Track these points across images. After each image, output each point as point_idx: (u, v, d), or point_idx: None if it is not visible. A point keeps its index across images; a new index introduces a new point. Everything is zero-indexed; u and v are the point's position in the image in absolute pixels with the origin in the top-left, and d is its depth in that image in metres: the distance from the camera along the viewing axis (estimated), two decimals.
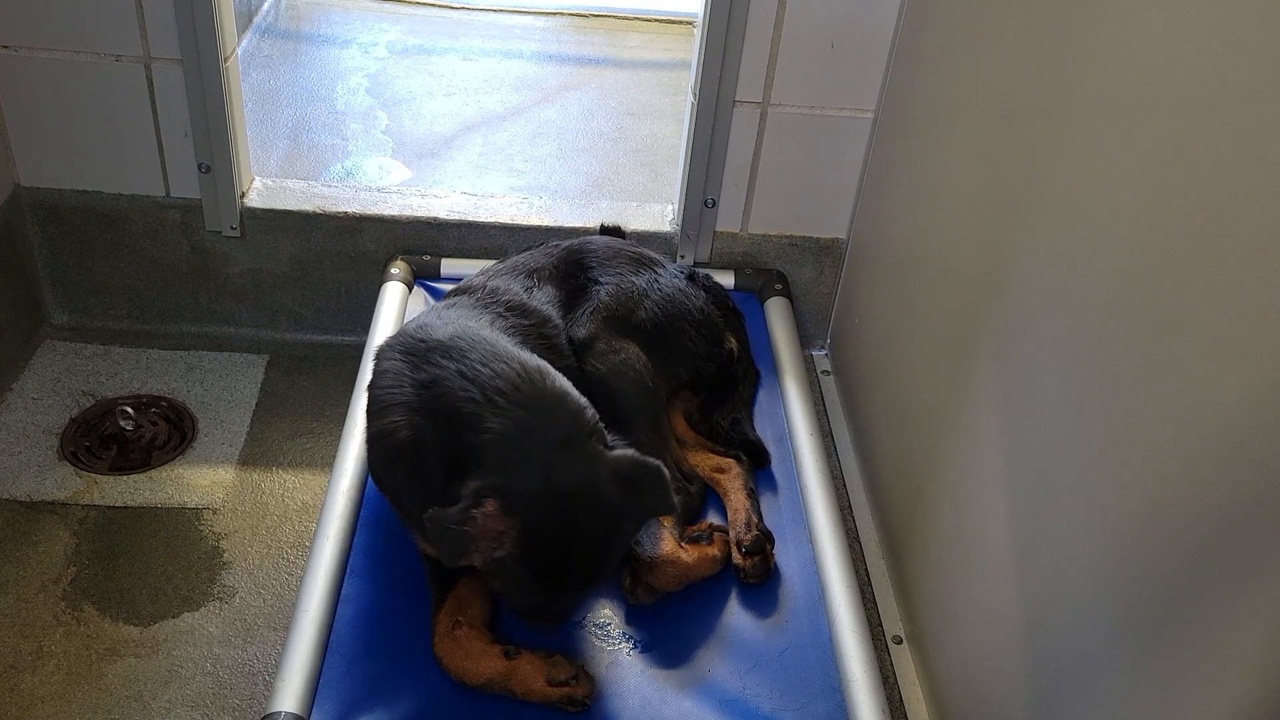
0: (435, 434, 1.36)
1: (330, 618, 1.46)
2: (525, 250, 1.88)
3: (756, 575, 1.55)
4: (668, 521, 1.54)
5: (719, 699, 1.41)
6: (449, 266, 2.07)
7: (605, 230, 2.06)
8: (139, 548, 1.74)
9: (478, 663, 1.39)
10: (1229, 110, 0.97)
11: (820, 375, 2.17)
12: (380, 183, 2.35)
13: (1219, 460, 0.94)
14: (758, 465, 1.73)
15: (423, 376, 1.41)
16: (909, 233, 1.80)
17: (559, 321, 1.67)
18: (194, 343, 2.15)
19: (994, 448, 1.37)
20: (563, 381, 1.42)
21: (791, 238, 2.14)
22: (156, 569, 1.71)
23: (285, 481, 1.88)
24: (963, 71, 1.60)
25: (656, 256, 1.88)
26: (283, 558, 1.75)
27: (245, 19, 2.86)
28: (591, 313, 1.71)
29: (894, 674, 1.61)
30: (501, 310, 1.61)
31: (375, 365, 1.51)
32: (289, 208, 2.07)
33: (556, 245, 1.85)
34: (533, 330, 1.60)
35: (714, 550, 1.55)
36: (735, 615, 1.52)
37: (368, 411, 1.49)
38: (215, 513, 1.81)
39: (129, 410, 1.95)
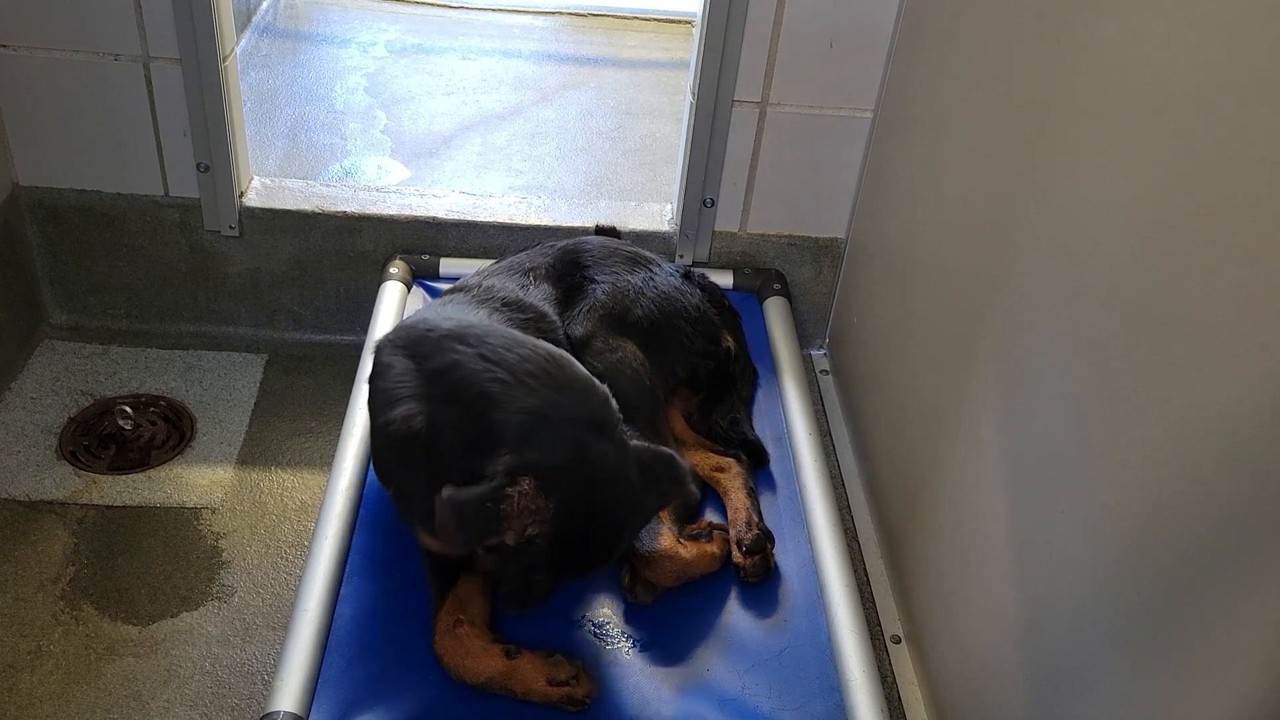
0: (453, 418, 1.35)
1: (329, 617, 1.45)
2: (522, 250, 1.88)
3: (757, 574, 1.55)
4: (667, 518, 1.54)
5: (718, 698, 1.41)
6: (448, 266, 2.07)
7: (600, 231, 2.06)
8: (138, 547, 1.74)
9: (478, 662, 1.39)
10: (1229, 107, 0.96)
11: (819, 375, 2.17)
12: (379, 182, 2.35)
13: (1219, 460, 0.94)
14: (757, 465, 1.73)
15: (435, 365, 1.40)
16: (908, 232, 1.80)
17: (555, 318, 1.68)
18: (193, 342, 2.15)
19: (993, 447, 1.37)
20: (586, 371, 1.43)
21: (790, 237, 2.14)
22: (155, 568, 1.71)
23: (284, 481, 1.88)
24: (962, 71, 1.60)
25: (652, 255, 1.88)
26: (281, 557, 1.75)
27: (244, 18, 2.86)
28: (588, 311, 1.71)
29: (893, 673, 1.61)
30: (498, 306, 1.61)
31: (377, 359, 1.50)
32: (288, 207, 2.07)
33: (552, 245, 1.85)
34: (529, 325, 1.60)
35: (713, 548, 1.55)
36: (734, 614, 1.52)
37: (373, 405, 1.49)
38: (214, 512, 1.81)
39: (128, 410, 1.95)
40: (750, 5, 1.88)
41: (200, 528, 1.79)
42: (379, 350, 1.51)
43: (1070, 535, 1.17)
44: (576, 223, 2.11)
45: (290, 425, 1.99)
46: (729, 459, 1.70)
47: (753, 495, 1.64)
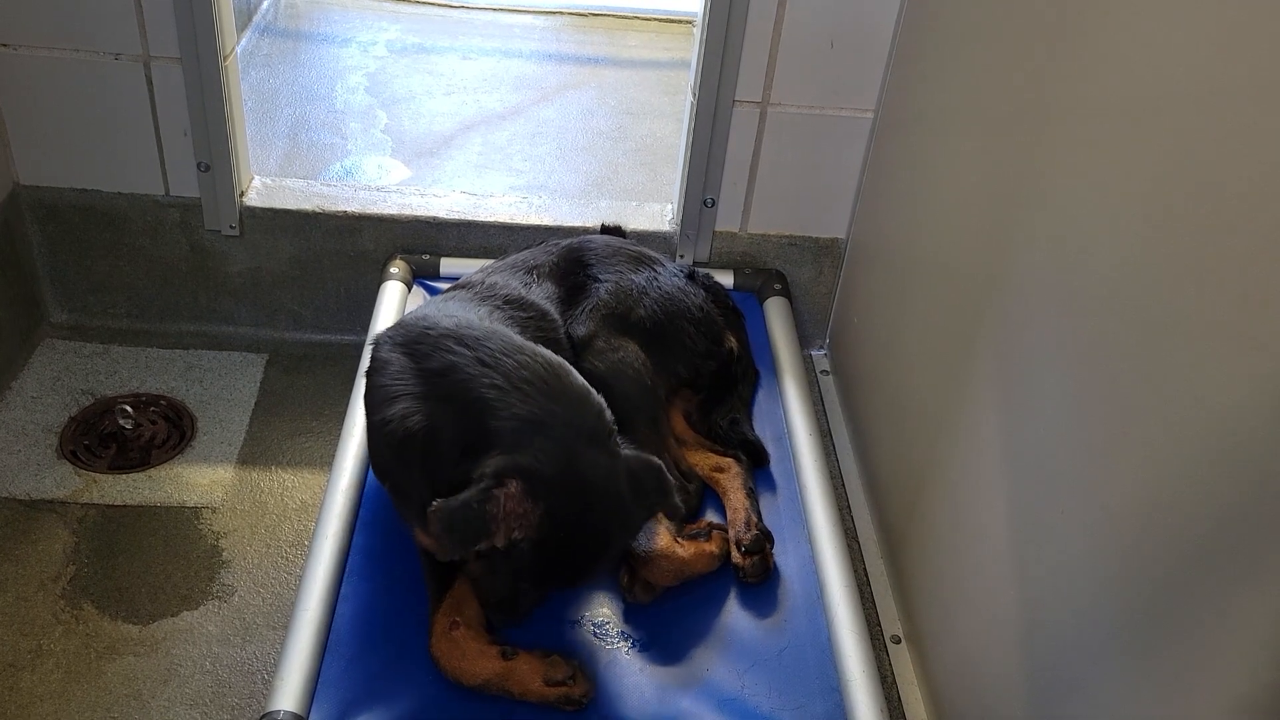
0: (450, 420, 1.36)
1: (329, 617, 1.46)
2: (525, 249, 1.88)
3: (756, 574, 1.55)
4: (664, 518, 1.53)
5: (717, 698, 1.41)
6: (448, 265, 2.07)
7: (606, 230, 2.06)
8: (138, 546, 1.74)
9: (475, 663, 1.38)
10: (1229, 108, 0.96)
11: (819, 375, 2.17)
12: (379, 182, 2.35)
13: (1219, 460, 0.94)
14: (757, 465, 1.73)
15: (433, 365, 1.40)
16: (908, 232, 1.80)
17: (557, 317, 1.67)
18: (193, 342, 2.15)
19: (993, 447, 1.37)
20: (583, 380, 1.43)
21: (791, 237, 2.14)
22: (155, 568, 1.71)
23: (284, 480, 1.88)
24: (962, 71, 1.60)
25: (656, 255, 1.88)
26: (282, 557, 1.75)
27: (244, 17, 2.86)
28: (591, 310, 1.71)
29: (892, 673, 1.61)
30: (500, 303, 1.61)
31: (375, 355, 1.50)
32: (288, 207, 2.07)
33: (556, 243, 1.85)
34: (531, 324, 1.60)
35: (712, 547, 1.55)
36: (733, 614, 1.52)
37: (370, 402, 1.49)
38: (214, 512, 1.81)
39: (128, 409, 1.95)
40: (751, 5, 1.88)
41: (200, 527, 1.79)
42: (377, 345, 1.51)
43: (1070, 535, 1.17)
44: (577, 223, 2.11)
45: (290, 425, 1.99)
46: (728, 459, 1.70)
47: (752, 495, 1.64)
